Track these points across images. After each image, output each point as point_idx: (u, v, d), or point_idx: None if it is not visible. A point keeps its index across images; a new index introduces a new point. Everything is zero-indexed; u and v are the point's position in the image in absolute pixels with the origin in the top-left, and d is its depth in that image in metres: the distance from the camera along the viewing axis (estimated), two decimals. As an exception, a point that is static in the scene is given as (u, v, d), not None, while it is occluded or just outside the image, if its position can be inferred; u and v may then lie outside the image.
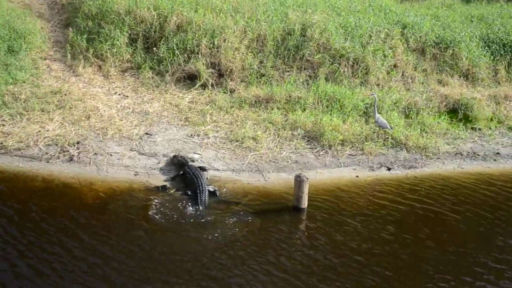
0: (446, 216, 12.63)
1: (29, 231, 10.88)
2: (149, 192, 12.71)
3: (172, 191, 12.89)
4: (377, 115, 15.64)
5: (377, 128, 15.85)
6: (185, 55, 17.72)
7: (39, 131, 14.50)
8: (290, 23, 18.74)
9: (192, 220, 11.78)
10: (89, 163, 13.66)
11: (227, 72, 17.52)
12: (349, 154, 15.21)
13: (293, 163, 14.60)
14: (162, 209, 12.05)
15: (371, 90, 17.33)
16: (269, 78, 17.57)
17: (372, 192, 13.65)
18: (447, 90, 18.12)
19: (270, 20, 18.86)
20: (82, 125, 14.92)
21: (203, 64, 17.39)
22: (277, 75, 17.68)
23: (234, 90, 17.17)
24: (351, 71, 17.99)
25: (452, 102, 17.71)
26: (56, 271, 9.85)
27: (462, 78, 19.00)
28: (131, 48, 18.02)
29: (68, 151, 13.95)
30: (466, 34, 20.02)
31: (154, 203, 12.22)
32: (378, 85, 17.96)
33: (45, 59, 17.87)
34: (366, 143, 15.53)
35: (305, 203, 12.48)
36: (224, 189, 13.11)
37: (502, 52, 19.88)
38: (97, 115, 15.44)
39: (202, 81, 17.30)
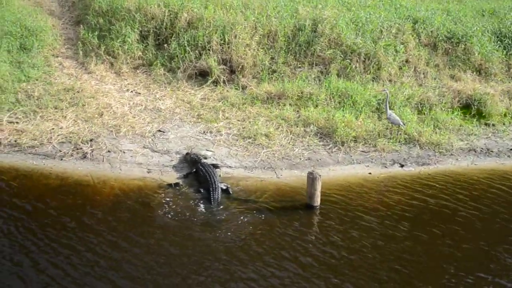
0: (461, 213, 12.58)
1: (47, 227, 10.99)
2: (162, 190, 12.75)
3: (185, 189, 12.91)
4: (389, 111, 15.57)
5: (390, 124, 15.78)
6: (196, 51, 17.72)
7: (53, 128, 14.57)
8: (301, 19, 18.71)
9: (205, 218, 11.81)
10: (103, 161, 13.70)
11: (239, 69, 17.51)
12: (362, 151, 15.16)
13: (306, 160, 14.58)
14: (175, 206, 12.08)
15: (383, 86, 17.25)
16: (281, 74, 17.55)
17: (385, 189, 13.60)
18: (460, 85, 17.99)
19: (280, 16, 18.83)
20: (95, 122, 14.97)
21: (214, 61, 17.39)
22: (289, 71, 17.66)
23: (246, 87, 17.16)
24: (362, 67, 17.92)
25: (465, 98, 17.61)
26: (74, 266, 9.97)
27: (474, 73, 18.83)
28: (142, 45, 18.08)
29: (81, 148, 14.00)
30: (478, 28, 19.88)
31: (167, 201, 12.26)
32: (390, 80, 17.88)
33: (57, 56, 17.95)
34: (379, 139, 15.47)
35: (318, 201, 12.47)
36: (237, 187, 13.11)
37: (515, 47, 19.73)
38: (110, 112, 15.49)
39: (213, 78, 17.31)
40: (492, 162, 15.48)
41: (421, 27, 19.52)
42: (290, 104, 16.50)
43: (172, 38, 18.04)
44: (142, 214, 11.79)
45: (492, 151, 15.90)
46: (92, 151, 13.92)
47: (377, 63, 18.00)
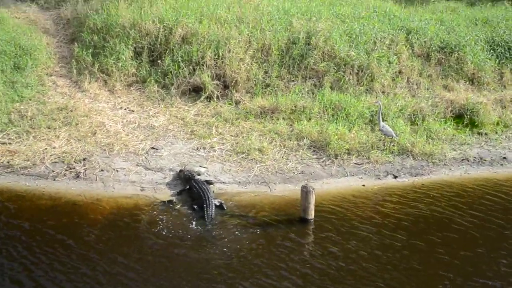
0: (455, 222, 12.62)
1: (37, 249, 10.97)
2: (156, 208, 12.77)
3: (178, 206, 12.94)
4: (382, 123, 15.60)
5: (383, 136, 15.81)
6: (190, 67, 17.79)
7: (46, 148, 14.60)
8: (295, 32, 18.81)
9: (199, 234, 11.83)
10: (96, 180, 13.72)
11: (232, 83, 17.57)
12: (355, 163, 15.18)
13: (300, 173, 14.60)
14: (169, 224, 12.09)
15: (376, 98, 17.32)
16: (274, 88, 17.60)
17: (379, 201, 13.62)
18: (453, 95, 18.07)
19: (274, 29, 18.92)
20: (88, 141, 15.02)
21: (208, 76, 17.45)
22: (282, 85, 17.71)
23: (240, 102, 17.21)
24: (356, 79, 17.99)
25: (457, 107, 17.67)
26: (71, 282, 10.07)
27: (467, 82, 18.91)
28: (136, 62, 18.14)
29: (74, 168, 14.04)
30: (471, 37, 19.97)
31: (161, 219, 12.27)
32: (383, 92, 17.93)
33: (51, 75, 18.06)
34: (372, 151, 15.50)
35: (312, 214, 12.50)
36: (231, 202, 13.14)
37: (507, 55, 19.83)
38: (103, 131, 15.54)
39: (207, 93, 17.36)
40: (485, 171, 15.49)
41: (415, 38, 19.61)
42: (283, 118, 16.54)
43: (166, 54, 18.11)
44: (135, 233, 11.78)
45: (485, 160, 15.92)
46: (85, 171, 13.95)
47: (370, 74, 18.06)
